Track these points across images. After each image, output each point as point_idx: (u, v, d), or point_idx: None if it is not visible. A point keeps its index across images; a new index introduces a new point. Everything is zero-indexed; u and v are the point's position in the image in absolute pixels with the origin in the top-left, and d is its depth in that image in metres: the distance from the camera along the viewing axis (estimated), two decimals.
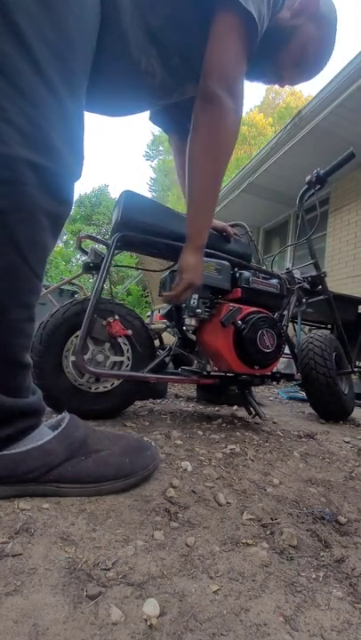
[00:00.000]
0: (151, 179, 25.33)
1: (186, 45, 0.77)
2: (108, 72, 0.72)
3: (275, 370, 1.32)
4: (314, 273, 1.69)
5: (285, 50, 0.92)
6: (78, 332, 1.10)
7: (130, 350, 1.23)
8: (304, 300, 1.61)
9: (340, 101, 3.37)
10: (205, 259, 1.20)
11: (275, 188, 5.07)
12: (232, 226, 1.54)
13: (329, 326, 2.34)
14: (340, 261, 4.42)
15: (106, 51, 0.67)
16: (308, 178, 1.58)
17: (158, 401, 1.75)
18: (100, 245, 1.23)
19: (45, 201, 0.55)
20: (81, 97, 0.61)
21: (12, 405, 0.57)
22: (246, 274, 1.26)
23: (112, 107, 0.84)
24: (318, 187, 1.58)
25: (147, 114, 1.19)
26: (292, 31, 0.90)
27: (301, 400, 2.19)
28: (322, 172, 1.54)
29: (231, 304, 1.18)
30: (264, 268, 1.55)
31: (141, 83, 0.78)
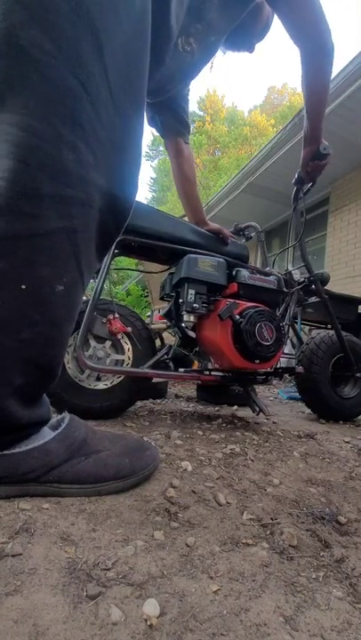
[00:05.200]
0: (151, 179, 25.32)
1: (224, 26, 0.84)
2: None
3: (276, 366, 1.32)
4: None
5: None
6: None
7: (130, 349, 1.24)
8: (305, 299, 1.61)
9: (341, 101, 3.37)
10: (201, 256, 1.22)
11: (275, 188, 5.06)
12: (245, 227, 1.56)
13: (329, 326, 2.34)
14: (341, 261, 4.42)
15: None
16: (293, 180, 1.52)
17: (158, 401, 1.75)
18: None
19: (105, 225, 0.58)
20: (143, 117, 0.61)
21: (28, 420, 0.57)
22: (243, 270, 1.28)
23: None
24: (310, 185, 1.51)
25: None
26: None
27: (301, 400, 2.19)
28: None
29: (228, 299, 1.19)
30: (266, 269, 1.55)
31: (179, 60, 0.81)
